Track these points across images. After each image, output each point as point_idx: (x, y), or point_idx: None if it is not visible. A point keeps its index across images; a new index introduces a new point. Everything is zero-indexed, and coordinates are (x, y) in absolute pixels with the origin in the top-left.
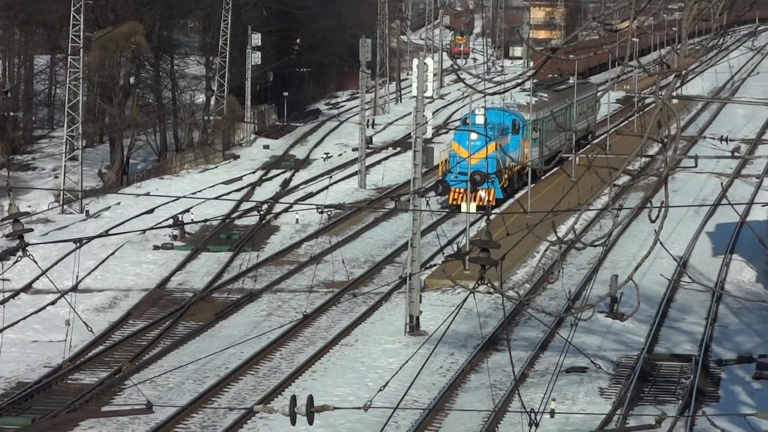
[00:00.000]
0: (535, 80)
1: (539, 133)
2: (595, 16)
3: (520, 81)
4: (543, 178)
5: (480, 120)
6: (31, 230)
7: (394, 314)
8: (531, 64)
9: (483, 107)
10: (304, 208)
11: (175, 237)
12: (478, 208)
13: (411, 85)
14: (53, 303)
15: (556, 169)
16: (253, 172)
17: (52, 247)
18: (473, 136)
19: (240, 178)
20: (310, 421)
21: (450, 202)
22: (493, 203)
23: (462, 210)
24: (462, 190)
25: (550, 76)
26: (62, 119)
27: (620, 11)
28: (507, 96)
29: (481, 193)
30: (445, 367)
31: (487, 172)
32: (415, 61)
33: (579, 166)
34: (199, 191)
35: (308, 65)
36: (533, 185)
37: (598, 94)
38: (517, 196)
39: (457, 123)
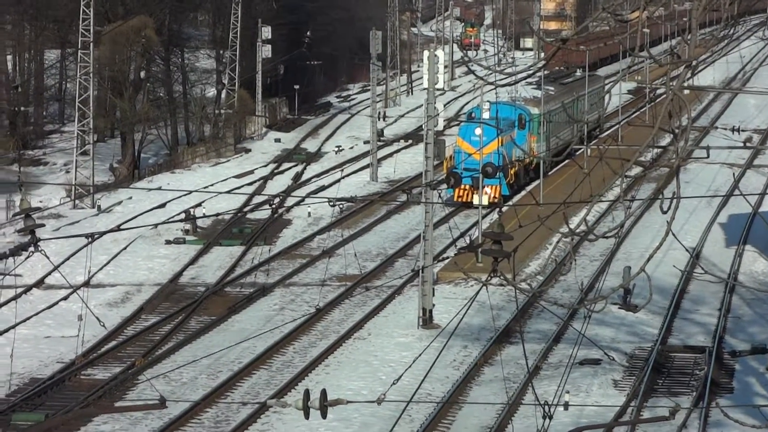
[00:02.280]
0: (546, 71)
1: (546, 127)
2: (605, 6)
3: (531, 72)
4: (550, 173)
5: (485, 115)
6: (43, 225)
7: (407, 307)
8: (542, 55)
9: (488, 102)
10: (316, 201)
11: (187, 231)
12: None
13: (422, 77)
14: (65, 298)
15: (564, 163)
16: (265, 166)
17: (63, 242)
18: (478, 131)
19: (252, 172)
20: (324, 415)
21: (455, 199)
22: (499, 199)
23: (475, 202)
24: (468, 187)
25: (557, 68)
26: (73, 114)
27: (630, 2)
28: (513, 90)
29: (487, 189)
30: (458, 360)
31: (499, 164)
32: (426, 53)
33: (591, 158)
34: (211, 185)
35: (319, 58)
36: (545, 178)
37: (607, 86)
38: (529, 188)
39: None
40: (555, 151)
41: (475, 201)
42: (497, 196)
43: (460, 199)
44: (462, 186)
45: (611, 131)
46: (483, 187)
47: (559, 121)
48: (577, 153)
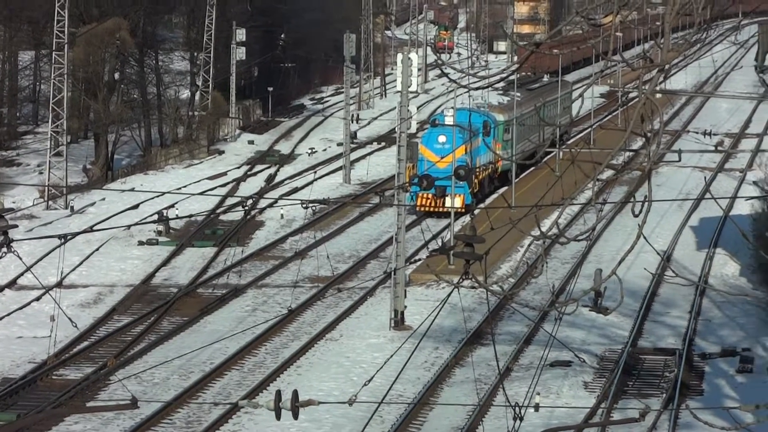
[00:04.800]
0: (518, 74)
1: (511, 133)
2: (578, 10)
3: (504, 76)
4: (516, 180)
5: (449, 121)
6: (16, 226)
7: (378, 309)
8: (515, 58)
9: (452, 108)
10: (289, 203)
11: (159, 232)
12: (447, 215)
13: (395, 80)
14: (38, 299)
15: (530, 170)
16: (238, 168)
17: (36, 243)
18: (441, 138)
19: (225, 174)
20: (295, 416)
21: (417, 208)
22: (463, 209)
23: (447, 205)
24: (430, 196)
25: (524, 74)
26: (47, 115)
27: (604, 6)
28: (480, 95)
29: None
30: (429, 362)
31: (470, 167)
32: (400, 56)
33: (562, 161)
34: (184, 187)
35: (293, 60)
36: (516, 181)
37: (579, 91)
38: (501, 190)
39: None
40: (521, 157)
41: (447, 203)
42: (461, 206)
43: (422, 208)
44: (424, 194)
45: (583, 134)
46: (441, 197)
47: (526, 127)
48: (546, 158)
